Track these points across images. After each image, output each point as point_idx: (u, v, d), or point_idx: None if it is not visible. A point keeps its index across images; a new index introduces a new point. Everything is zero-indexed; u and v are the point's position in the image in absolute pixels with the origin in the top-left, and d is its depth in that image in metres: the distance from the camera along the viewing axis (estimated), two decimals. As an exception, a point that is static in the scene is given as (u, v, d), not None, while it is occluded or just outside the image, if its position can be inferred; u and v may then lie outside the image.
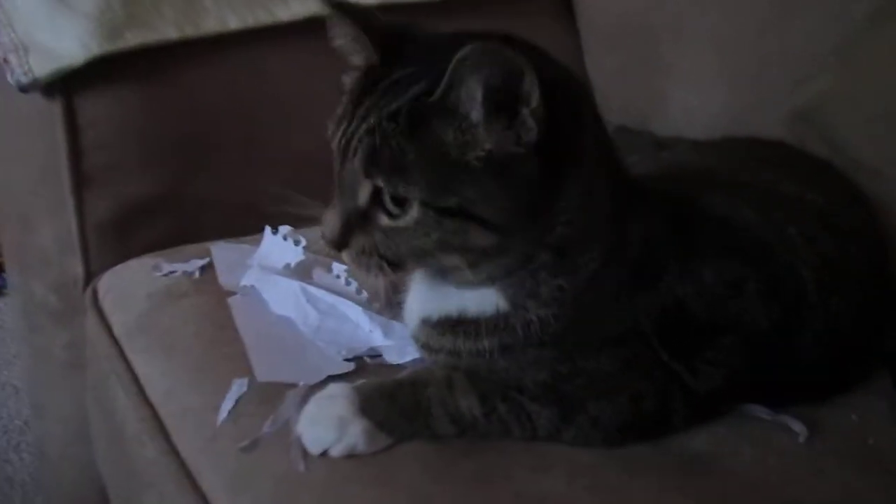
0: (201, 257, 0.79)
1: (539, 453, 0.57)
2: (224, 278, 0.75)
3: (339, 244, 0.56)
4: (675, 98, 1.06)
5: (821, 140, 0.84)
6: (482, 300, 0.58)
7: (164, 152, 0.88)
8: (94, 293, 0.82)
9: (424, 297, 0.61)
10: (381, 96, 0.53)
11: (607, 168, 0.59)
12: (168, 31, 0.84)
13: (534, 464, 0.56)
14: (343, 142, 0.54)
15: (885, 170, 0.78)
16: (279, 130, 0.92)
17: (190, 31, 0.86)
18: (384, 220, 0.54)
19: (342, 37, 0.57)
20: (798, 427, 0.61)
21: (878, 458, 0.60)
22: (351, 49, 0.58)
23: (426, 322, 0.61)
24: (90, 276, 0.85)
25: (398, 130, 0.52)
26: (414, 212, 0.53)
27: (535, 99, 0.50)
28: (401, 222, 0.53)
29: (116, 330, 0.77)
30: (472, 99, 0.51)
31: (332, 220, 0.56)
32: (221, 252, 0.78)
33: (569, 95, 0.55)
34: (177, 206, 0.88)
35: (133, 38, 0.83)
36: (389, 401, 0.58)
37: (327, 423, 0.57)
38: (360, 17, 0.57)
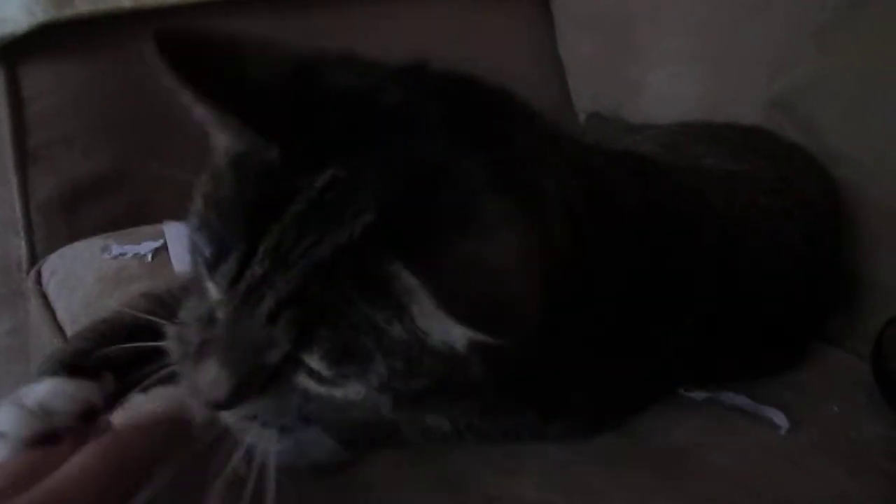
0: (154, 239, 0.75)
1: (509, 452, 0.54)
2: (178, 262, 0.71)
3: (226, 406, 0.40)
4: (649, 84, 1.05)
5: (797, 127, 0.84)
6: None
7: (115, 128, 0.85)
8: (38, 276, 0.78)
9: None
10: (300, 224, 0.37)
11: None
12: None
13: (504, 465, 0.53)
14: (229, 276, 0.38)
15: (859, 157, 0.78)
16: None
17: (147, 1, 0.81)
18: (309, 384, 0.40)
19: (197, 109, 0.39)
20: (779, 419, 0.60)
21: (859, 451, 0.59)
22: (219, 127, 0.40)
23: None
24: (34, 259, 0.82)
25: (341, 286, 0.37)
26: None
27: None
28: (338, 392, 0.40)
29: (61, 315, 0.73)
30: None
31: (213, 374, 0.39)
32: (175, 233, 0.74)
33: None
34: (128, 185, 0.85)
35: (83, 5, 0.79)
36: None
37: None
38: (222, 83, 0.38)
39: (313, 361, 0.38)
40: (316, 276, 0.37)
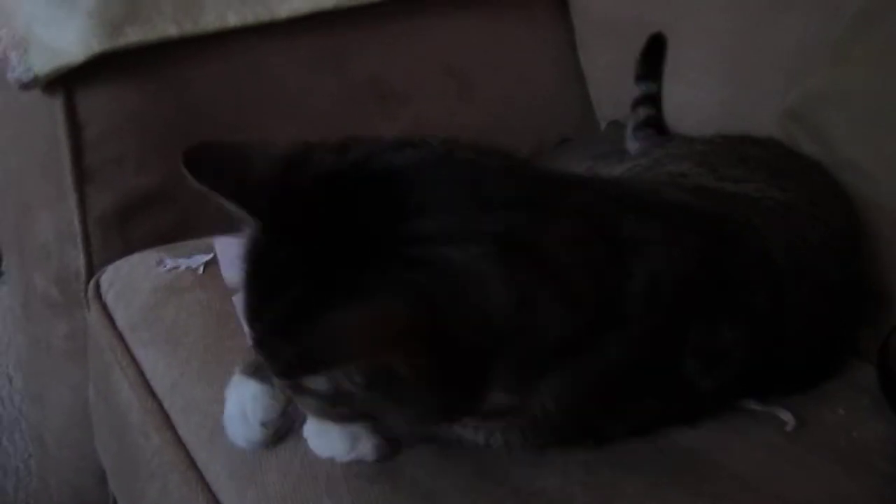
0: (205, 252, 0.80)
1: (536, 450, 0.58)
2: (228, 273, 0.76)
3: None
4: (668, 93, 1.06)
5: (811, 139, 0.84)
6: None
7: (164, 147, 0.88)
8: (97, 287, 0.83)
9: None
10: (264, 290, 0.48)
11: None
12: (168, 27, 0.85)
13: (530, 461, 0.58)
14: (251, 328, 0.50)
15: (873, 170, 0.79)
16: (278, 125, 0.92)
17: (189, 28, 0.86)
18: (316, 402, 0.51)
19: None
20: (786, 416, 0.63)
21: (863, 452, 0.62)
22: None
23: None
24: (91, 270, 0.86)
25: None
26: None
27: None
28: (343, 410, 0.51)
29: (120, 323, 0.78)
30: None
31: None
32: (225, 247, 0.79)
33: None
34: (177, 200, 0.89)
35: (133, 35, 0.83)
36: None
37: (340, 436, 0.57)
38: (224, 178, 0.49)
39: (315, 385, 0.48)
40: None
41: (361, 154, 0.49)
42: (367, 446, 0.57)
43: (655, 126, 1.02)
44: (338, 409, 0.50)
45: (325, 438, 0.58)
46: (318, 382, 0.48)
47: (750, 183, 0.72)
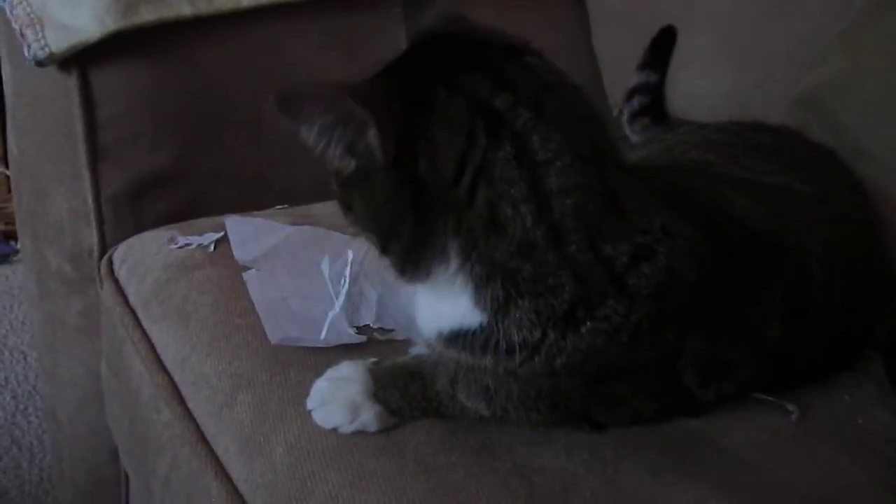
0: (215, 230, 0.81)
1: (539, 429, 0.59)
2: (238, 252, 0.77)
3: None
4: (681, 80, 1.06)
5: (823, 126, 0.85)
6: (463, 309, 0.55)
7: (177, 126, 0.89)
8: (110, 263, 0.84)
9: (432, 307, 0.59)
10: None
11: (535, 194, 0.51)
12: (182, 7, 0.85)
13: (534, 439, 0.59)
14: None
15: (885, 157, 0.79)
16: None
17: (203, 8, 0.86)
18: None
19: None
20: (791, 406, 0.63)
21: (868, 439, 0.62)
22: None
23: (438, 334, 0.59)
24: (104, 247, 0.87)
25: None
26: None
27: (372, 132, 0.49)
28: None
29: (132, 299, 0.79)
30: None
31: None
32: (235, 226, 0.80)
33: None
34: (189, 179, 0.90)
35: (147, 14, 0.83)
36: (403, 391, 0.59)
37: (340, 405, 0.59)
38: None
39: None
40: None
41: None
42: (368, 415, 0.59)
43: (650, 115, 1.02)
44: (349, 217, 0.55)
45: (327, 409, 0.59)
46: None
47: (775, 175, 0.72)
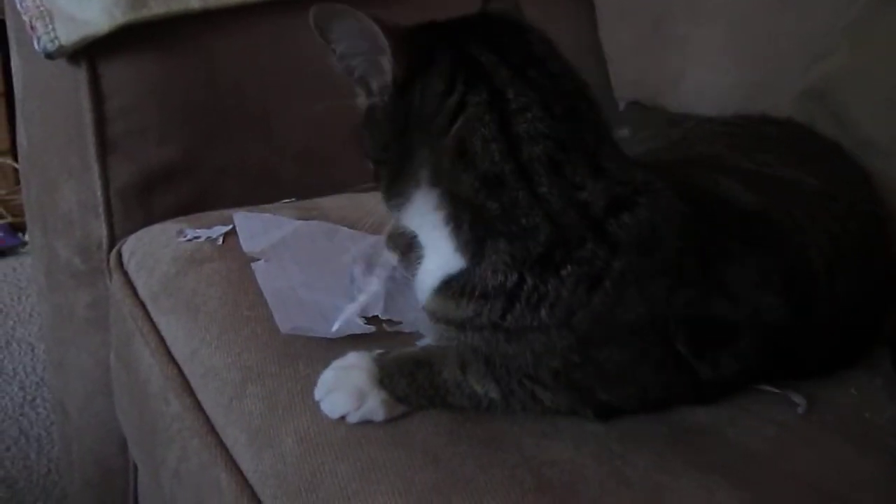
0: (224, 223, 0.81)
1: (548, 421, 0.60)
2: (246, 245, 0.77)
3: None
4: (688, 74, 1.06)
5: (830, 118, 0.85)
6: (447, 255, 0.59)
7: (185, 119, 0.89)
8: (119, 256, 0.84)
9: (426, 265, 0.62)
10: None
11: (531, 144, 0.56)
12: (191, 0, 0.85)
13: (542, 431, 0.59)
14: None
15: (892, 148, 0.79)
16: (297, 99, 0.93)
17: (212, 1, 0.87)
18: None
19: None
20: (798, 399, 0.64)
21: (874, 433, 0.63)
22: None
23: (431, 291, 0.61)
24: (113, 239, 0.88)
25: None
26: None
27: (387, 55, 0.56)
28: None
29: (141, 292, 0.79)
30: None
31: None
32: (244, 220, 0.80)
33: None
34: (197, 172, 0.90)
35: (156, 7, 0.84)
36: (409, 378, 0.60)
37: (346, 393, 0.59)
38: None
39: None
40: None
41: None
42: (374, 402, 0.59)
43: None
44: (362, 147, 0.61)
45: (333, 396, 0.60)
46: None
47: (783, 168, 0.72)
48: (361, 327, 0.67)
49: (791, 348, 0.64)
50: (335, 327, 0.66)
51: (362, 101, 0.60)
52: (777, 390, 0.64)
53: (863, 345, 0.71)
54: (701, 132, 0.85)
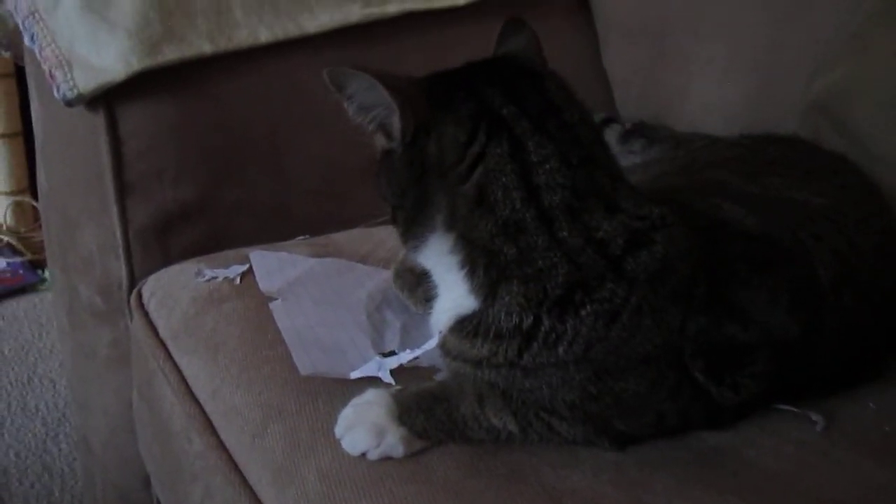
0: (240, 263, 0.82)
1: (566, 451, 0.61)
2: (263, 284, 0.78)
3: None
4: (693, 91, 1.06)
5: (835, 131, 0.85)
6: (460, 296, 0.60)
7: (200, 160, 0.91)
8: (140, 296, 0.85)
9: (440, 304, 0.64)
10: None
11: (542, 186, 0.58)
12: (203, 45, 0.88)
13: (561, 461, 0.60)
14: None
15: None
16: (309, 137, 0.95)
17: (223, 45, 0.89)
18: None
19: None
20: (816, 416, 0.64)
21: (891, 444, 0.63)
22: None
23: (445, 330, 0.62)
24: (133, 280, 0.89)
25: None
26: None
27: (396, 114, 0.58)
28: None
29: (162, 332, 0.80)
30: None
31: None
32: (260, 259, 0.82)
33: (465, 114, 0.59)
34: (212, 211, 0.92)
35: (170, 53, 0.86)
36: (427, 414, 0.61)
37: (366, 430, 0.60)
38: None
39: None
40: None
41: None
42: (393, 438, 0.60)
43: (645, 136, 1.03)
44: (378, 191, 0.62)
45: (353, 434, 0.61)
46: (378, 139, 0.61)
47: (789, 189, 0.73)
48: (386, 377, 0.67)
49: (805, 364, 0.64)
50: (354, 375, 0.67)
51: (380, 140, 0.62)
52: (795, 409, 0.65)
53: (879, 357, 0.71)
54: (708, 155, 0.85)
